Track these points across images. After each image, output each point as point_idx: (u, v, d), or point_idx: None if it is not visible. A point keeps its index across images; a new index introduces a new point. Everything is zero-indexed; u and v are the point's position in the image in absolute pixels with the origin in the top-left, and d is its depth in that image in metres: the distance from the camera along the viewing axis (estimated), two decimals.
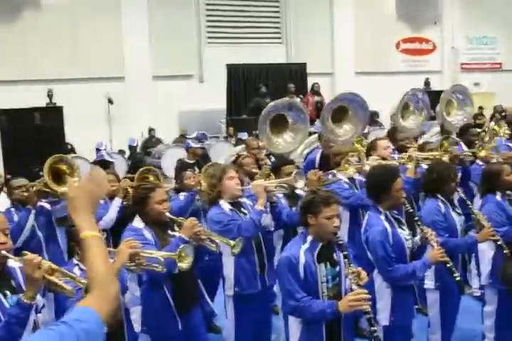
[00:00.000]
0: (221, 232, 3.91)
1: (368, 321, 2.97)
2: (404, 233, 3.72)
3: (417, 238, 3.83)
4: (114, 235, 4.69)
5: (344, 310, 2.98)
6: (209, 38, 15.26)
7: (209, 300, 4.89)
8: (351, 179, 5.11)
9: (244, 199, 4.35)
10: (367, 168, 4.89)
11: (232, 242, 3.76)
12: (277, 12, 16.07)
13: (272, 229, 4.42)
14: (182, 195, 5.26)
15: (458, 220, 4.17)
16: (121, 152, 11.40)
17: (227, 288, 4.20)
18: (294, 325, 3.25)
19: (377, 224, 3.63)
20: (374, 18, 16.35)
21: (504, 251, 3.98)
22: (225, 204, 4.18)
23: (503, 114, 12.78)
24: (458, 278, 3.65)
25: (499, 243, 4.04)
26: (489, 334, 4.46)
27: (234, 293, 4.16)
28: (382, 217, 3.67)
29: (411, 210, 3.89)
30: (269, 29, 16.04)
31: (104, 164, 6.65)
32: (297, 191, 4.66)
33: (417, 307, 4.52)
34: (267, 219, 4.14)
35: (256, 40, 15.66)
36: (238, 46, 15.26)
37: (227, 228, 4.00)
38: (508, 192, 4.50)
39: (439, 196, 4.18)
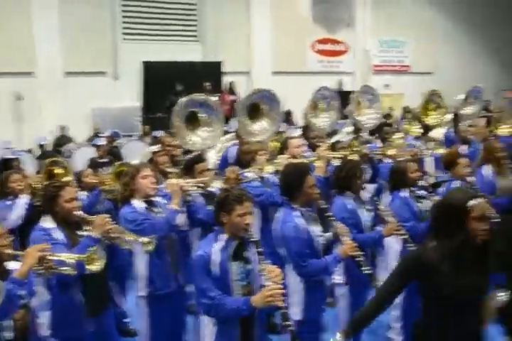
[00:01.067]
0: (134, 231, 3.85)
1: (283, 316, 3.01)
2: (316, 229, 3.81)
3: (329, 234, 3.94)
4: (22, 235, 4.52)
5: (259, 306, 3.00)
6: (125, 34, 14.93)
7: (120, 301, 4.81)
8: (261, 177, 5.16)
9: (158, 198, 4.31)
10: (275, 166, 4.98)
11: (145, 239, 3.71)
12: (194, 10, 15.98)
13: (187, 228, 4.40)
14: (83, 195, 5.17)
15: (365, 216, 4.32)
16: (30, 151, 10.93)
17: (140, 289, 4.14)
18: (209, 325, 3.25)
19: (291, 221, 3.70)
20: (290, 18, 16.60)
21: (409, 245, 4.14)
22: (138, 203, 4.12)
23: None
24: (368, 272, 3.77)
25: (405, 237, 4.20)
26: (395, 324, 4.67)
27: (147, 293, 4.10)
28: (296, 214, 3.74)
29: (324, 206, 3.99)
30: (185, 27, 15.91)
31: (7, 163, 6.38)
32: (213, 189, 4.66)
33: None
34: (181, 218, 4.11)
35: (172, 37, 15.51)
36: (154, 43, 15.05)
37: (140, 227, 3.95)
38: (413, 188, 4.71)
39: (347, 193, 4.31)
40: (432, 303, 2.85)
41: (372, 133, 7.34)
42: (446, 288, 2.71)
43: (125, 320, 5.36)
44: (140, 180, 4.13)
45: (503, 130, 7.71)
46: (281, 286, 3.03)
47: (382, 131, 6.99)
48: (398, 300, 4.51)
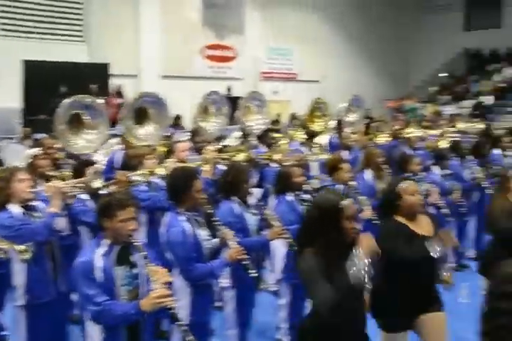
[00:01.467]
0: (11, 237, 3.64)
1: (172, 317, 2.97)
2: (203, 233, 3.80)
3: (216, 238, 3.94)
4: None
5: (148, 309, 2.94)
6: (2, 30, 14.12)
7: None
8: (149, 181, 5.09)
9: (37, 202, 4.11)
10: (162, 170, 4.93)
11: (21, 247, 3.52)
12: (80, 9, 15.46)
13: (68, 232, 4.23)
14: None
15: (251, 220, 4.36)
16: None
17: (17, 298, 3.92)
18: (95, 333, 3.13)
19: (177, 225, 3.66)
20: (180, 22, 16.55)
21: (294, 248, 4.23)
22: (14, 208, 3.90)
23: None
24: (254, 275, 3.82)
25: (289, 241, 4.29)
26: (283, 325, 4.75)
27: (25, 302, 3.89)
28: (182, 218, 3.71)
29: (210, 211, 3.98)
30: (70, 26, 15.35)
31: None
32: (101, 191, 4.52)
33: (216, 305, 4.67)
34: (61, 222, 3.95)
35: (57, 36, 14.91)
36: (37, 41, 14.37)
37: (18, 233, 3.75)
38: (298, 192, 4.83)
39: (233, 197, 4.34)
40: None
41: (259, 138, 7.46)
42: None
43: (2, 333, 5.05)
44: (15, 184, 3.93)
45: (381, 138, 8.14)
46: (168, 288, 2.99)
47: (267, 136, 7.13)
48: (284, 301, 4.64)
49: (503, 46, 21.17)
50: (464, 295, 5.48)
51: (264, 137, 7.21)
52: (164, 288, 2.96)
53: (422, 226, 3.65)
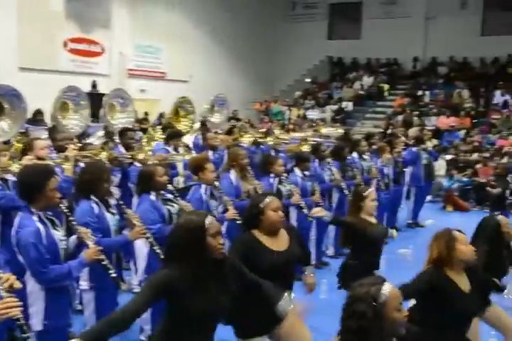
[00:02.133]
0: None
1: (20, 328, 2.79)
2: (58, 234, 3.62)
3: (73, 238, 3.78)
4: None
5: None
6: None
7: None
8: (4, 179, 4.79)
9: None
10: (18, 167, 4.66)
11: None
12: None
13: None
14: None
15: (112, 220, 4.24)
16: None
17: None
18: None
19: (30, 225, 3.46)
20: (40, 12, 15.62)
21: (155, 248, 4.18)
22: None
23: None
24: (113, 275, 3.71)
25: (150, 240, 4.23)
26: (146, 326, 4.69)
27: None
28: (35, 218, 3.51)
29: (66, 210, 3.81)
30: None
31: None
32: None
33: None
34: None
35: None
36: None
37: None
38: (162, 191, 4.78)
39: (92, 197, 4.19)
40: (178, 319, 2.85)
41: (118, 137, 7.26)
42: (192, 308, 2.74)
43: None
44: None
45: (245, 139, 8.29)
46: (15, 297, 2.80)
47: (126, 136, 6.95)
48: None
49: (362, 56, 22.49)
50: (323, 291, 5.73)
51: (122, 136, 7.01)
52: (12, 298, 2.77)
53: (280, 241, 3.68)
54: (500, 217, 4.32)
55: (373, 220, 4.84)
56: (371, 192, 4.87)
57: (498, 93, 18.36)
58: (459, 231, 3.49)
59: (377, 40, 21.15)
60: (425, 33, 21.51)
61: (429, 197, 12.09)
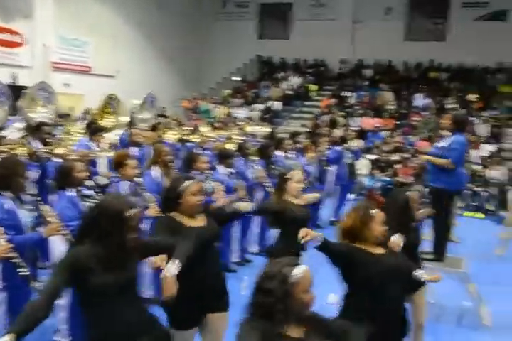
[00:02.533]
0: None
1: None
2: None
3: None
4: None
5: None
6: None
7: None
8: None
9: None
10: None
11: None
12: None
13: None
14: None
15: (26, 217, 4.10)
16: None
17: None
18: None
19: None
20: None
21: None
22: None
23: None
24: (25, 273, 3.61)
25: (68, 237, 4.12)
26: (62, 326, 4.57)
27: None
28: None
29: None
30: None
31: None
32: None
33: None
34: None
35: None
36: None
37: None
38: (80, 188, 4.66)
39: (5, 193, 4.03)
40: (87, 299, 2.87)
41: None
42: (96, 285, 2.76)
43: None
44: None
45: (170, 136, 8.23)
46: None
47: (42, 131, 6.74)
48: (65, 302, 4.43)
49: (291, 56, 22.77)
50: (244, 287, 5.75)
51: (39, 131, 6.79)
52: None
53: (198, 220, 3.66)
54: (411, 192, 4.47)
55: (299, 201, 4.94)
56: (295, 173, 4.95)
57: (419, 96, 19.06)
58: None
59: (306, 41, 21.48)
60: (352, 36, 22.01)
61: (352, 196, 12.43)
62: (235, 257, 7.33)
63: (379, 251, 3.42)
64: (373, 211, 3.43)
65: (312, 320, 2.53)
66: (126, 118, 9.32)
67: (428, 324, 5.78)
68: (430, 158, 6.01)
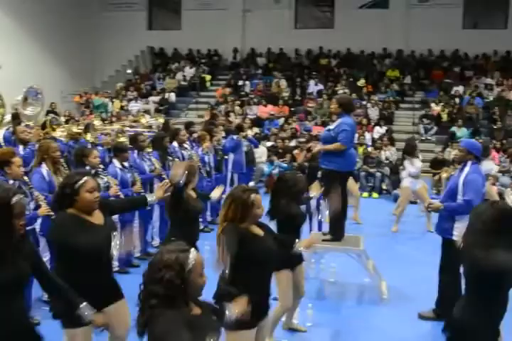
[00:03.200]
0: None
1: None
2: None
3: None
4: None
5: None
6: None
7: None
8: None
9: None
10: None
11: None
12: None
13: None
14: None
15: None
16: None
17: None
18: None
19: None
20: None
21: None
22: None
23: None
24: None
25: None
26: None
27: None
28: None
29: None
30: None
31: None
32: None
33: None
34: None
35: None
36: None
37: None
38: None
39: None
40: None
41: None
42: None
43: None
44: None
45: (58, 132, 7.91)
46: None
47: None
48: None
49: (184, 47, 22.55)
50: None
51: None
52: None
53: (96, 217, 3.57)
54: (299, 175, 4.96)
55: (193, 194, 5.10)
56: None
57: (312, 83, 19.53)
58: (256, 191, 3.68)
59: (198, 31, 21.35)
60: (243, 25, 22.12)
61: (252, 183, 12.55)
62: (137, 252, 7.18)
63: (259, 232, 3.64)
64: (252, 195, 3.54)
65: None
66: (9, 116, 8.83)
67: (330, 302, 6.01)
68: (321, 147, 6.12)
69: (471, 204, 4.78)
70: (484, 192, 5.43)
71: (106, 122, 11.93)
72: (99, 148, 7.76)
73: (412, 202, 9.79)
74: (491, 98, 17.60)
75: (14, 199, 2.75)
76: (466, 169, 5.30)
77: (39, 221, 5.26)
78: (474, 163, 5.33)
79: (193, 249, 2.48)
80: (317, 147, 6.39)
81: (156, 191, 4.44)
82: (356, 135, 14.10)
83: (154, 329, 2.35)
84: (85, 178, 3.52)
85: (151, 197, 4.24)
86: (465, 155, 5.38)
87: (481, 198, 5.18)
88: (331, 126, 6.06)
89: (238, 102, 18.42)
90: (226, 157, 9.46)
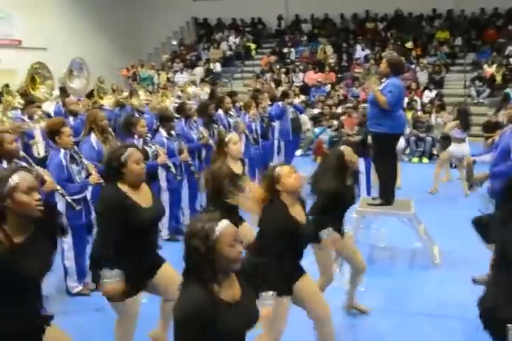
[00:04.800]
0: None
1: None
2: None
3: None
4: None
5: None
6: None
7: None
8: None
9: None
10: None
11: None
12: None
13: None
14: None
15: None
16: None
17: None
18: None
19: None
20: None
21: None
22: None
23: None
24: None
25: None
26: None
27: None
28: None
29: None
30: None
31: None
32: None
33: None
34: None
35: None
36: None
37: None
38: (16, 160, 4.50)
39: None
40: None
41: None
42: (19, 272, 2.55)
43: None
44: None
45: (105, 101, 7.98)
46: None
47: None
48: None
49: (227, 16, 22.34)
50: None
51: None
52: None
53: (143, 194, 3.57)
54: (344, 147, 4.48)
55: (238, 166, 4.95)
56: (232, 136, 4.97)
57: (358, 48, 19.08)
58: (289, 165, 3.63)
59: (241, 0, 21.08)
60: None
61: (300, 151, 12.46)
62: (186, 220, 7.24)
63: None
64: (279, 168, 3.49)
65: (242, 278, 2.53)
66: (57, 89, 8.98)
67: (382, 266, 5.95)
68: (375, 88, 5.85)
69: None
70: None
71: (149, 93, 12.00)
72: (146, 116, 7.82)
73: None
74: None
75: (14, 177, 2.57)
76: None
77: (90, 188, 5.35)
78: None
79: (224, 220, 2.40)
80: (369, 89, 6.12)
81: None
82: (406, 99, 13.83)
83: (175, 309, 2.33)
84: (131, 149, 3.53)
85: None
86: None
87: None
88: (379, 87, 5.90)
89: (284, 70, 18.21)
90: (273, 124, 9.38)
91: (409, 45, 18.42)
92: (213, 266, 2.32)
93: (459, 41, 18.75)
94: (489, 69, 16.51)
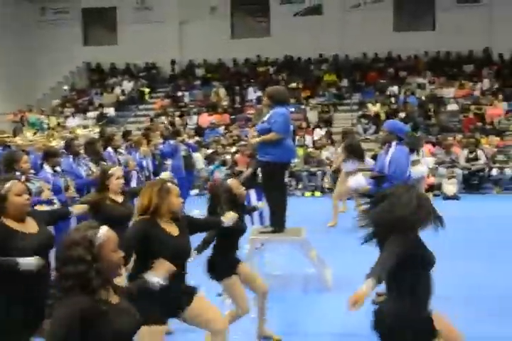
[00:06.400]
0: None
1: None
2: None
3: None
4: None
5: None
6: None
7: None
8: None
9: None
10: None
11: None
12: None
13: None
14: None
15: None
16: None
17: None
18: None
19: None
20: None
21: None
22: None
23: None
24: None
25: None
26: None
27: None
28: None
29: None
30: None
31: None
32: None
33: None
34: None
35: None
36: None
37: None
38: None
39: None
40: None
41: None
42: None
43: None
44: None
45: None
46: None
47: None
48: None
49: (121, 61, 22.29)
50: None
51: None
52: None
53: (30, 226, 3.44)
54: (230, 180, 4.62)
55: (119, 199, 4.87)
56: (116, 170, 4.92)
57: (251, 90, 19.63)
58: (173, 183, 3.62)
59: (135, 45, 21.21)
60: (180, 37, 22.10)
61: (196, 191, 12.46)
62: None
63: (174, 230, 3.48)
64: (169, 185, 3.48)
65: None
66: None
67: (275, 293, 5.94)
68: (257, 139, 6.08)
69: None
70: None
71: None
72: (31, 156, 7.52)
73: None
74: (423, 97, 18.08)
75: None
76: (391, 150, 5.51)
77: None
78: (398, 143, 5.56)
79: (103, 226, 2.37)
80: (253, 140, 6.36)
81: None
82: (297, 137, 14.31)
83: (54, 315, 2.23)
84: (11, 182, 3.40)
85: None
86: (388, 136, 5.62)
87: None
88: (265, 118, 6.04)
89: (178, 113, 18.32)
90: (166, 163, 9.33)
91: (294, 85, 19.12)
92: (99, 273, 2.27)
93: (344, 83, 19.78)
94: (373, 108, 17.49)
